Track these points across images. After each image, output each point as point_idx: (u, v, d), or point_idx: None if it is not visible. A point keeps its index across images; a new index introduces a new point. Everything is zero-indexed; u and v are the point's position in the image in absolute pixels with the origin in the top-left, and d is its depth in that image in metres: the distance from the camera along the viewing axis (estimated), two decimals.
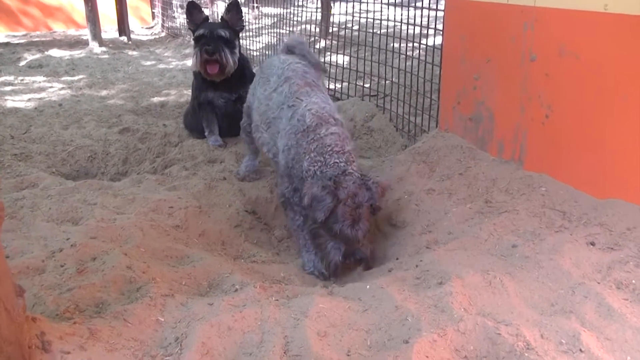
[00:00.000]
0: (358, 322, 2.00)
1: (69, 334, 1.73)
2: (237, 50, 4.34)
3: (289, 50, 3.34)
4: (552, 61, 2.66)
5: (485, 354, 1.80)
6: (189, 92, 6.29)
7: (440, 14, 3.73)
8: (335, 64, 5.64)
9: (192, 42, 4.44)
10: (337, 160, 2.60)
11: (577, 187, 2.64)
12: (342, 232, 2.52)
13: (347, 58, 6.08)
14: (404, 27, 4.45)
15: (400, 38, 4.66)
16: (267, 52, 7.65)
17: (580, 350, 1.77)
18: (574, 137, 2.64)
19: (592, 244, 2.29)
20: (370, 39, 5.00)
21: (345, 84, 5.50)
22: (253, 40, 8.06)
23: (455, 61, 3.36)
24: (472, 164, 3.13)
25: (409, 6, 4.44)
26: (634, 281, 2.05)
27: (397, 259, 2.65)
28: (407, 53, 4.62)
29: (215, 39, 4.17)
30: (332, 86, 5.63)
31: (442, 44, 3.54)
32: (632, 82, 2.36)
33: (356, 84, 5.42)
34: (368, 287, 2.26)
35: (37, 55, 8.77)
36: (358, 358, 1.80)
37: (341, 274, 2.70)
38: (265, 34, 7.90)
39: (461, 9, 3.28)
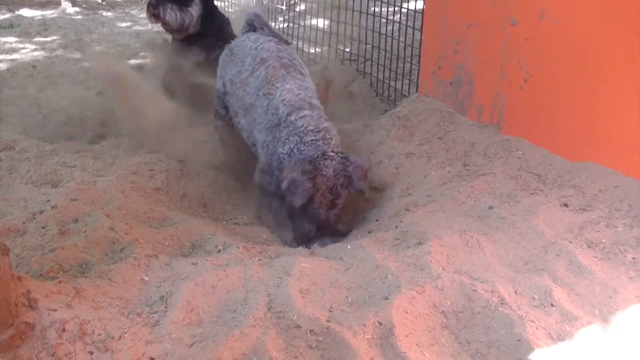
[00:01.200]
0: (339, 280, 2.06)
1: (55, 292, 1.76)
2: (192, 8, 4.21)
3: (250, 26, 3.27)
4: (532, 26, 2.69)
5: (462, 309, 1.87)
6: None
7: None
8: (315, 27, 5.59)
9: None
10: (314, 138, 2.58)
11: (553, 150, 2.70)
12: (317, 216, 2.55)
13: (327, 22, 6.01)
14: None
15: (382, 1, 4.62)
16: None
17: (552, 305, 1.86)
18: (551, 101, 2.69)
19: (566, 205, 2.37)
20: (352, 2, 4.95)
21: (325, 48, 5.45)
22: (232, 2, 7.91)
23: (436, 25, 3.36)
24: (451, 128, 3.17)
25: None
26: (603, 240, 2.14)
27: (377, 220, 2.70)
28: (388, 17, 4.60)
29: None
30: (312, 50, 5.58)
31: (423, 8, 3.53)
32: (609, 48, 2.40)
33: (337, 48, 5.38)
34: (349, 247, 2.31)
35: (7, 15, 8.48)
36: (339, 314, 1.85)
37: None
38: None
39: None
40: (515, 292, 1.92)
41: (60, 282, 1.84)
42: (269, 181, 2.77)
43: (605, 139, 2.49)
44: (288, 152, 2.61)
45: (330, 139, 2.63)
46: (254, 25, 3.30)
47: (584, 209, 2.33)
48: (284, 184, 2.52)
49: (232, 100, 3.11)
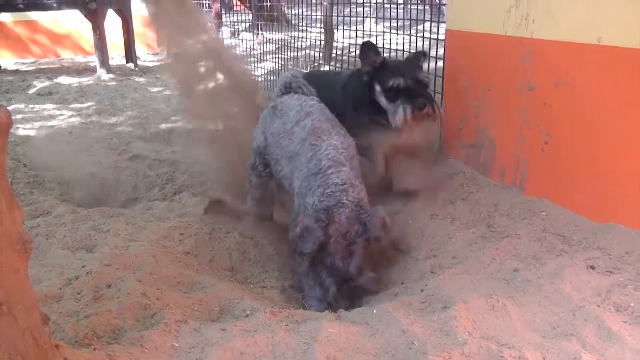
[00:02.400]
0: (366, 347, 2.07)
1: None
2: None
3: (287, 86, 3.40)
4: (550, 91, 2.77)
5: None
6: (196, 119, 6.44)
7: (441, 40, 3.85)
8: None
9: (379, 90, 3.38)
10: (334, 190, 2.64)
11: (577, 212, 2.72)
12: (334, 266, 2.57)
13: None
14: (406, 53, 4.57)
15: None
16: (270, 77, 7.80)
17: None
18: (572, 163, 2.73)
19: (592, 267, 2.37)
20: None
21: None
22: (257, 66, 8.22)
23: (457, 89, 3.47)
24: (475, 189, 3.22)
25: (410, 34, 4.58)
26: (632, 304, 2.12)
27: (402, 283, 2.72)
28: None
29: (420, 88, 3.25)
30: None
31: (443, 72, 3.65)
32: (624, 111, 2.45)
33: None
34: (375, 311, 2.33)
35: (46, 83, 8.95)
36: None
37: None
38: (268, 59, 8.07)
39: (461, 38, 3.40)
40: (544, 358, 1.90)
41: (95, 349, 1.90)
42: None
43: (628, 200, 2.50)
44: (311, 203, 2.68)
45: (351, 191, 2.67)
46: (291, 86, 3.42)
47: (611, 272, 2.32)
48: (297, 230, 2.57)
49: (275, 150, 3.17)
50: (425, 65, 3.43)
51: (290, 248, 2.86)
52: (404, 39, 4.73)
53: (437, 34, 4.27)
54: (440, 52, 3.82)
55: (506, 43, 2.98)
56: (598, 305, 2.14)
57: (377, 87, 3.35)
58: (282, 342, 2.06)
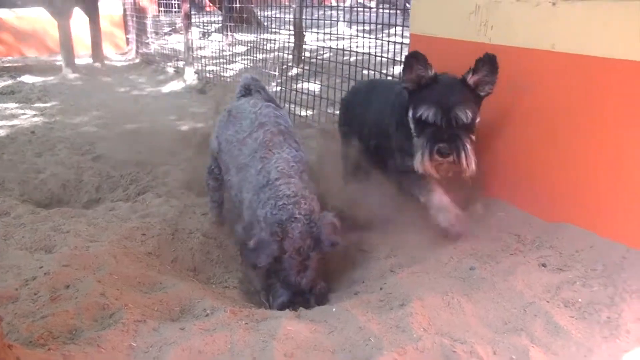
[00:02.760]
0: (324, 344, 2.10)
1: None
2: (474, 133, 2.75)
3: (246, 89, 3.43)
4: (506, 94, 2.84)
5: None
6: (161, 119, 6.41)
7: (406, 45, 3.92)
8: (307, 91, 5.81)
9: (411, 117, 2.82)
10: (286, 202, 2.66)
11: (531, 212, 2.80)
12: (287, 280, 2.62)
13: (318, 85, 6.25)
14: (372, 57, 4.64)
15: (369, 67, 4.85)
16: (240, 79, 7.79)
17: None
18: (527, 166, 2.82)
19: (544, 265, 2.45)
20: (341, 68, 5.18)
21: (316, 111, 5.66)
22: (226, 68, 8.21)
23: None
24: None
25: (376, 38, 4.65)
26: (579, 300, 2.20)
27: (363, 282, 2.76)
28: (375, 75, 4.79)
29: (451, 128, 2.66)
30: (303, 113, 5.78)
31: None
32: (577, 117, 2.55)
33: (327, 111, 5.58)
34: (334, 309, 2.36)
35: (9, 82, 8.76)
36: None
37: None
38: (238, 61, 8.06)
39: (425, 42, 3.47)
40: (494, 352, 1.97)
41: (49, 349, 1.89)
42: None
43: (580, 201, 2.60)
44: (263, 215, 2.70)
45: (303, 203, 2.68)
46: (250, 88, 3.45)
47: (561, 269, 2.40)
48: (251, 243, 2.60)
49: (226, 158, 3.19)
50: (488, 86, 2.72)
51: (242, 257, 2.90)
52: (375, 42, 4.81)
53: (402, 37, 4.34)
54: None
55: (466, 48, 3.05)
56: (547, 301, 2.21)
57: (410, 112, 2.82)
58: (241, 341, 2.08)
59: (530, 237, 2.68)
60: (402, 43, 4.29)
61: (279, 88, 6.48)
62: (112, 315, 2.25)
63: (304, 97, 5.83)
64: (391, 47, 4.60)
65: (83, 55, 11.06)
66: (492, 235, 2.76)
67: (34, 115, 6.68)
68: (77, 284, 2.48)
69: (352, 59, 5.40)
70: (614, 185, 2.44)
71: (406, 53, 3.80)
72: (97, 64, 10.44)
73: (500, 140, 2.94)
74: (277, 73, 6.82)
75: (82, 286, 2.45)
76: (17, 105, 7.26)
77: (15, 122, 6.33)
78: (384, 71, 4.98)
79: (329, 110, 5.63)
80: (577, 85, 2.53)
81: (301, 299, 2.62)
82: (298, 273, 2.61)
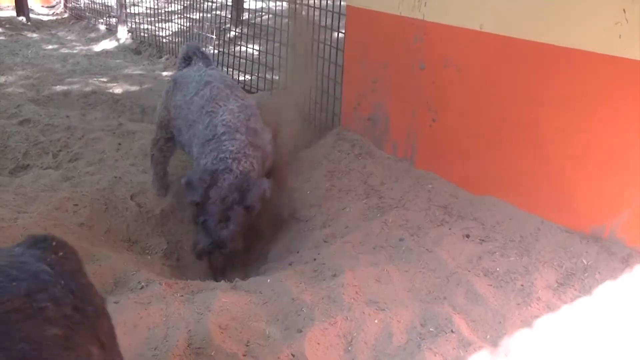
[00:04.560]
0: (258, 314, 2.17)
1: None
2: None
3: (188, 56, 3.41)
4: (438, 71, 2.94)
5: (369, 338, 2.03)
6: (94, 81, 6.17)
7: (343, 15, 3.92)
8: (245, 56, 5.72)
9: None
10: (227, 157, 2.75)
11: (458, 184, 2.94)
12: (206, 226, 2.68)
13: (257, 47, 6.15)
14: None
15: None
16: (176, 39, 7.57)
17: (452, 331, 2.05)
18: (456, 140, 2.94)
19: (467, 236, 2.60)
20: (279, 31, 5.12)
21: (255, 76, 5.60)
22: (162, 28, 7.93)
23: (356, 64, 3.58)
24: (369, 162, 3.37)
25: (314, 6, 4.60)
26: (498, 269, 2.36)
27: (297, 252, 2.84)
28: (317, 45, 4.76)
29: None
30: (241, 78, 5.71)
31: (343, 47, 3.75)
32: (501, 96, 2.67)
33: (265, 77, 5.53)
34: (269, 280, 2.43)
35: None
36: (256, 348, 1.97)
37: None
38: (174, 20, 7.80)
39: (361, 15, 3.49)
40: (419, 320, 2.10)
41: None
42: None
43: (502, 175, 2.75)
44: (203, 164, 2.77)
45: (243, 160, 2.78)
46: (190, 57, 3.42)
47: (483, 240, 2.56)
48: (182, 181, 2.71)
49: (178, 122, 3.21)
50: None
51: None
52: (314, 10, 4.76)
53: (340, 7, 4.32)
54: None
55: (401, 23, 3.10)
56: (469, 271, 2.36)
57: None
58: (176, 313, 2.12)
59: (456, 209, 2.82)
60: (340, 13, 4.29)
61: (216, 51, 6.34)
62: None
63: (242, 61, 5.74)
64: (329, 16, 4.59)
65: (5, 8, 10.35)
66: (421, 207, 2.89)
67: None
68: None
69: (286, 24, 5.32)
70: (531, 160, 2.60)
71: (343, 24, 3.82)
72: (22, 18, 9.78)
73: (432, 115, 3.05)
74: (214, 36, 6.66)
75: None
76: None
77: None
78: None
79: (267, 76, 5.59)
80: (502, 66, 2.65)
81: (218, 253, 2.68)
82: (219, 222, 2.66)
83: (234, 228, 2.70)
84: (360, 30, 3.52)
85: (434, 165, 3.10)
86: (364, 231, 2.77)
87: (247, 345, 1.97)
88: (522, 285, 2.24)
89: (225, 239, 2.69)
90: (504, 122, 2.71)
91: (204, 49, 3.52)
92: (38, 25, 9.65)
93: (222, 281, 2.53)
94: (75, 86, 5.96)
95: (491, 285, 2.28)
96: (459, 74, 2.85)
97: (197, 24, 7.09)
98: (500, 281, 2.30)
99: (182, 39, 7.31)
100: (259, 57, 5.70)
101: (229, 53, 6.00)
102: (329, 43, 4.31)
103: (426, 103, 3.06)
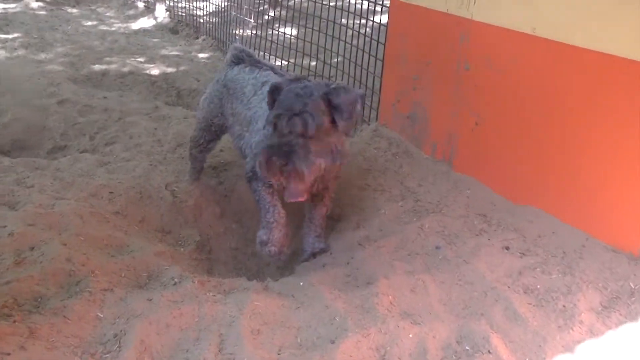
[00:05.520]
0: (290, 320, 2.15)
1: (9, 334, 1.79)
2: None
3: (238, 59, 3.22)
4: (484, 73, 2.84)
5: (403, 354, 1.98)
6: (132, 62, 6.19)
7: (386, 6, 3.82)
8: (281, 43, 5.65)
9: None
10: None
11: (498, 191, 2.85)
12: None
13: (294, 31, 6.07)
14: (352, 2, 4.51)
15: (349, 12, 4.71)
16: (213, 20, 7.53)
17: (489, 352, 1.99)
18: (498, 145, 2.85)
19: (507, 248, 2.52)
20: (319, 13, 5.02)
21: (291, 62, 5.52)
22: (199, 7, 7.90)
23: (397, 60, 3.49)
24: (406, 162, 3.30)
25: None
26: (539, 286, 2.28)
27: (330, 253, 2.80)
28: (354, 31, 4.67)
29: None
30: (277, 63, 5.65)
31: (385, 42, 3.65)
32: (550, 101, 2.56)
33: (302, 64, 5.46)
34: (301, 283, 2.40)
35: None
36: (288, 356, 1.94)
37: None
38: (211, 0, 7.75)
39: (405, 10, 3.39)
40: (455, 337, 2.04)
41: (14, 321, 1.88)
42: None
43: (545, 185, 2.65)
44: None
45: None
46: (240, 58, 3.24)
47: (524, 254, 2.47)
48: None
49: (237, 127, 3.03)
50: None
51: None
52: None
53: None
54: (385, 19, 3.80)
55: (447, 21, 3.00)
56: (508, 287, 2.29)
57: None
58: (208, 315, 2.11)
59: (496, 218, 2.74)
60: (382, 4, 4.18)
61: (253, 33, 6.29)
62: (78, 282, 2.24)
63: (279, 47, 5.67)
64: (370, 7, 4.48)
65: None
66: (459, 213, 2.81)
67: None
68: (42, 246, 2.45)
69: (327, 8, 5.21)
70: (578, 172, 2.49)
71: (386, 17, 3.72)
72: None
73: (474, 117, 2.95)
74: (252, 20, 6.59)
75: (48, 249, 2.41)
76: None
77: None
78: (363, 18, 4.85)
79: (304, 62, 5.52)
80: (552, 73, 2.53)
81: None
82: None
83: (309, 145, 2.34)
84: (403, 25, 3.42)
85: (473, 170, 3.01)
86: (399, 236, 2.71)
87: (279, 354, 1.95)
88: (564, 305, 2.16)
89: (301, 150, 2.32)
90: (548, 131, 2.60)
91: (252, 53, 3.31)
92: (78, 0, 9.73)
93: (254, 281, 2.51)
94: (113, 66, 6.00)
95: (531, 303, 2.20)
96: (505, 77, 2.74)
97: (235, 5, 7.04)
98: (541, 300, 2.22)
99: (219, 20, 7.27)
100: (296, 43, 5.63)
101: (266, 40, 5.94)
102: (369, 35, 4.22)
103: (469, 105, 2.97)
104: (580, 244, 2.45)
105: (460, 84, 2.99)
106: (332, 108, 2.39)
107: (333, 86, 2.44)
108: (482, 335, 2.03)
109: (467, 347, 2.00)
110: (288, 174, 2.32)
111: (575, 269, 2.33)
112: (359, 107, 2.43)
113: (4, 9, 8.38)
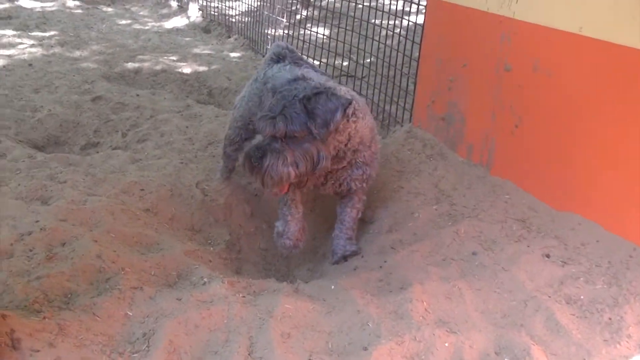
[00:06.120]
0: (321, 324, 2.09)
1: (39, 330, 1.77)
2: None
3: (279, 57, 3.13)
4: (526, 74, 2.73)
5: None
6: (164, 60, 6.22)
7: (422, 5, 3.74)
8: (313, 42, 5.60)
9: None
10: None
11: (538, 197, 2.75)
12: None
13: (326, 31, 6.02)
14: (386, 2, 4.44)
15: (383, 12, 4.63)
16: (245, 19, 7.53)
17: None
18: (540, 149, 2.74)
19: (547, 256, 2.41)
20: (352, 13, 4.96)
21: (323, 61, 5.47)
22: (232, 7, 7.92)
23: (433, 61, 3.40)
24: (441, 164, 3.21)
25: None
26: (582, 297, 2.18)
27: (362, 256, 2.74)
28: (387, 32, 4.60)
29: None
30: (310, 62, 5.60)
31: (420, 42, 3.57)
32: (599, 104, 2.44)
33: (334, 64, 5.41)
34: (333, 287, 2.34)
35: (6, 5, 8.44)
36: None
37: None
38: (244, 0, 7.75)
39: (443, 9, 3.30)
40: (494, 348, 1.95)
41: (44, 317, 1.86)
42: None
43: (588, 192, 2.53)
44: None
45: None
46: (282, 56, 3.18)
47: (566, 262, 2.37)
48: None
49: None
50: None
51: None
52: None
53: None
54: (421, 19, 3.71)
55: (487, 20, 2.90)
56: (549, 296, 2.19)
57: None
58: (238, 316, 2.06)
59: (535, 224, 2.63)
60: (418, 4, 4.09)
61: (285, 33, 6.26)
62: (108, 279, 2.22)
63: (311, 46, 5.62)
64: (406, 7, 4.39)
65: None
66: (497, 219, 2.71)
67: (32, 45, 6.46)
68: (73, 242, 2.44)
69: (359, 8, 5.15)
70: (629, 180, 2.37)
71: (421, 17, 3.64)
72: None
73: (514, 120, 2.85)
74: (284, 19, 6.57)
75: (79, 245, 2.40)
76: (14, 32, 7.00)
77: (12, 51, 6.12)
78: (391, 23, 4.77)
79: (336, 62, 5.46)
80: (600, 74, 2.41)
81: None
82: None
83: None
84: (440, 24, 3.33)
85: (512, 174, 2.91)
86: (434, 240, 2.63)
87: (310, 359, 1.89)
88: (609, 318, 2.05)
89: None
90: (594, 135, 2.48)
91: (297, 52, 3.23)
92: None
93: (285, 283, 2.46)
94: (146, 64, 6.04)
95: (574, 315, 2.10)
96: (549, 79, 2.63)
97: (267, 5, 7.02)
98: (585, 311, 2.11)
99: (251, 20, 7.27)
100: (328, 43, 5.58)
101: (297, 37, 5.90)
102: (403, 35, 4.14)
103: (509, 107, 2.86)
104: (627, 254, 2.32)
105: (499, 85, 2.89)
106: (308, 113, 2.35)
107: (316, 91, 2.38)
108: (523, 346, 1.94)
109: (506, 359, 1.91)
110: (257, 174, 2.37)
111: (622, 280, 2.21)
112: (338, 115, 2.35)
113: (42, 7, 8.55)
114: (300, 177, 2.41)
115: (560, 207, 2.65)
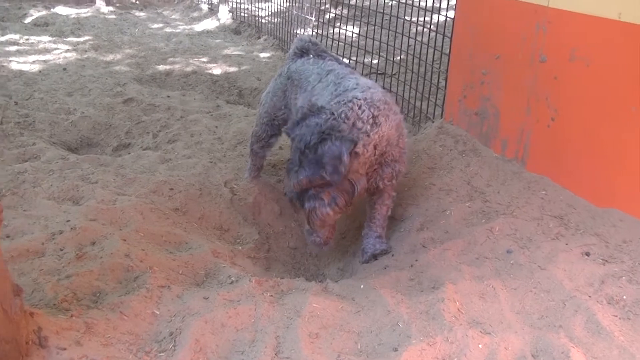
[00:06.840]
0: (350, 324, 2.03)
1: (66, 329, 1.77)
2: None
3: (302, 51, 3.13)
4: (562, 65, 2.62)
5: None
6: (195, 62, 6.27)
7: None
8: (343, 40, 5.55)
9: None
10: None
11: (577, 193, 2.63)
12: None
13: (356, 29, 5.97)
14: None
15: (412, 7, 4.55)
16: (275, 20, 7.54)
17: None
18: (578, 142, 2.62)
19: (587, 254, 2.30)
20: (382, 10, 4.90)
21: (353, 59, 5.42)
22: (262, 8, 7.93)
23: (464, 54, 3.31)
24: (474, 161, 3.11)
25: None
26: (625, 297, 2.07)
27: (392, 255, 2.67)
28: (417, 28, 4.52)
29: None
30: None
31: (452, 33, 3.48)
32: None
33: (364, 62, 5.35)
34: (362, 286, 2.29)
35: (43, 12, 8.66)
36: None
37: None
38: (273, 0, 7.76)
39: (474, 1, 3.21)
40: (530, 350, 1.87)
41: (72, 315, 1.86)
42: None
43: (631, 187, 2.41)
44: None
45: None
46: (305, 49, 3.16)
47: (607, 261, 2.26)
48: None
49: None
50: None
51: None
52: None
53: None
54: (451, 14, 3.62)
55: (521, 9, 2.80)
56: (590, 296, 2.08)
57: None
58: (265, 315, 2.03)
59: (574, 221, 2.52)
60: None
61: (314, 32, 6.23)
62: (136, 278, 2.21)
63: (341, 45, 5.58)
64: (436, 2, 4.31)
65: None
66: (532, 216, 2.61)
67: (67, 51, 6.59)
68: (102, 241, 2.45)
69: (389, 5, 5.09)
70: None
71: (452, 12, 3.54)
72: None
73: (551, 113, 2.74)
74: (313, 18, 6.54)
75: (108, 244, 2.41)
76: (50, 38, 7.17)
77: (48, 57, 6.26)
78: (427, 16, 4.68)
79: (366, 60, 5.40)
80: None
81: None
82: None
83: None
84: (472, 15, 3.24)
85: (548, 169, 2.80)
86: (467, 238, 2.55)
87: None
88: None
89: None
90: (636, 127, 2.36)
91: (312, 36, 3.23)
92: (145, 4, 10.04)
93: (313, 282, 2.41)
94: (177, 66, 6.09)
95: (617, 316, 1.99)
96: (587, 69, 2.51)
97: (296, 5, 7.01)
98: (628, 312, 2.00)
99: (281, 20, 7.27)
100: (357, 42, 5.52)
101: (327, 36, 5.87)
102: (433, 30, 4.05)
103: (545, 99, 2.75)
104: None
105: (535, 77, 2.79)
106: (317, 162, 2.31)
107: (320, 137, 2.32)
108: (561, 349, 1.85)
109: None
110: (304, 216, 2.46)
111: None
112: (345, 159, 2.29)
113: (77, 14, 8.74)
114: (341, 211, 2.43)
115: (600, 204, 2.54)
